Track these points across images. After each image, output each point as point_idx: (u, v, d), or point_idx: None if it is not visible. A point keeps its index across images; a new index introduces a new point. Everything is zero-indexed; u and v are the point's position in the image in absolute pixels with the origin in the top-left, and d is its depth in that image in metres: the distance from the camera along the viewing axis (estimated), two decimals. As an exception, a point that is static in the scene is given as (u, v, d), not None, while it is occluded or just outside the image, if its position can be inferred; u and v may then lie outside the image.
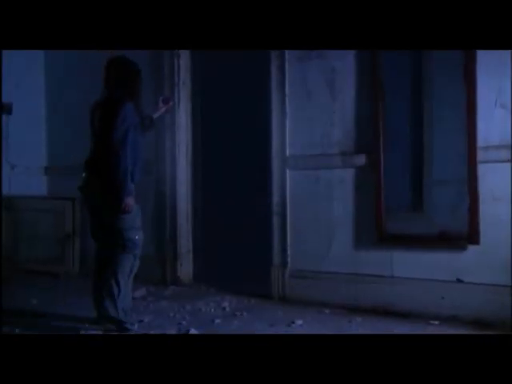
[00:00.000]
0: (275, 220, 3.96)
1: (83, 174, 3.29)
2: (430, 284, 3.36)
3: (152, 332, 3.07)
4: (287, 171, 3.91)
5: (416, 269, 3.41)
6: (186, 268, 4.55)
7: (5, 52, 4.03)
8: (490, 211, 3.16)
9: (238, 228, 4.46)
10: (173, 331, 3.10)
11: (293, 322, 3.26)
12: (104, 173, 3.09)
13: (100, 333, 3.06)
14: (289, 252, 3.90)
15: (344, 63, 3.67)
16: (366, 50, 3.52)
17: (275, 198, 3.96)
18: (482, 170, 3.17)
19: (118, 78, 3.20)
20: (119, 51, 3.84)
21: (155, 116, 3.55)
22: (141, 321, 3.34)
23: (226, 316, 3.48)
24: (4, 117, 5.08)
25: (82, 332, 3.06)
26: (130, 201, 3.08)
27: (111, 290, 3.08)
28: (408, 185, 3.53)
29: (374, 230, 3.53)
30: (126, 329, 3.09)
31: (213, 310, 3.66)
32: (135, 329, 3.13)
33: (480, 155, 3.17)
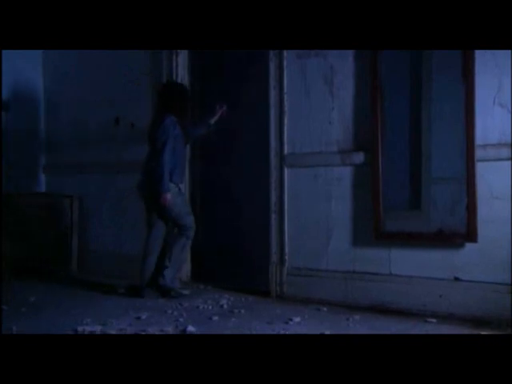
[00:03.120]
0: (273, 218, 3.96)
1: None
2: (428, 282, 3.36)
3: (149, 329, 3.06)
4: (285, 169, 3.91)
5: (414, 267, 3.41)
6: (184, 266, 4.53)
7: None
8: (489, 209, 3.16)
9: (236, 226, 4.45)
10: (170, 328, 3.10)
11: (290, 320, 3.26)
12: (151, 174, 3.82)
13: (98, 331, 3.05)
14: (287, 250, 3.90)
15: (343, 61, 3.67)
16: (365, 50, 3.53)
17: (273, 196, 3.96)
18: (480, 168, 3.17)
19: (164, 100, 3.93)
20: (119, 51, 3.95)
21: (212, 121, 4.12)
22: (138, 318, 3.34)
23: (224, 313, 3.48)
24: (3, 114, 5.08)
25: (80, 329, 3.06)
26: (167, 196, 3.76)
27: (164, 264, 3.90)
28: (406, 183, 3.52)
29: (372, 228, 3.52)
30: (172, 296, 3.88)
31: (210, 307, 3.66)
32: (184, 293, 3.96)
33: (478, 153, 3.17)
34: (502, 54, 3.13)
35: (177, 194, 3.90)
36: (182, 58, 4.60)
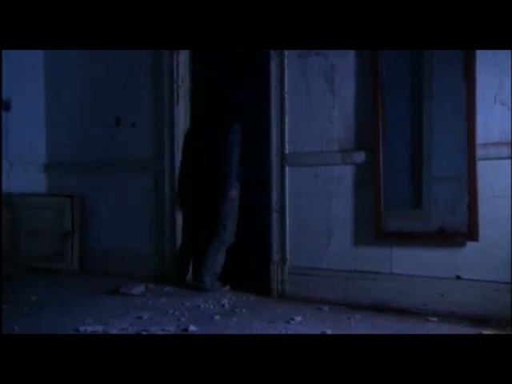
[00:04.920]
0: (274, 217, 3.96)
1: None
2: (429, 281, 3.36)
3: (151, 328, 3.06)
4: (286, 168, 3.91)
5: (415, 266, 3.41)
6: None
7: (4, 48, 4.01)
8: (490, 208, 3.16)
9: (237, 225, 4.45)
10: (172, 328, 3.10)
11: (292, 319, 3.26)
12: (219, 174, 4.18)
13: (99, 331, 3.06)
14: (288, 249, 3.90)
15: (344, 60, 3.67)
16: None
17: (274, 195, 3.96)
18: (481, 166, 3.17)
19: (231, 110, 4.38)
20: (119, 51, 3.93)
21: None
22: (140, 317, 3.34)
23: (225, 313, 3.48)
24: (3, 113, 5.08)
25: (82, 329, 3.06)
26: (233, 191, 4.16)
27: (204, 263, 4.17)
28: (407, 181, 3.52)
29: (373, 227, 3.52)
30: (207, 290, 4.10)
31: (212, 306, 3.66)
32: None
33: (479, 152, 3.17)
34: (503, 53, 3.13)
35: (236, 195, 4.22)
36: (182, 57, 4.59)
